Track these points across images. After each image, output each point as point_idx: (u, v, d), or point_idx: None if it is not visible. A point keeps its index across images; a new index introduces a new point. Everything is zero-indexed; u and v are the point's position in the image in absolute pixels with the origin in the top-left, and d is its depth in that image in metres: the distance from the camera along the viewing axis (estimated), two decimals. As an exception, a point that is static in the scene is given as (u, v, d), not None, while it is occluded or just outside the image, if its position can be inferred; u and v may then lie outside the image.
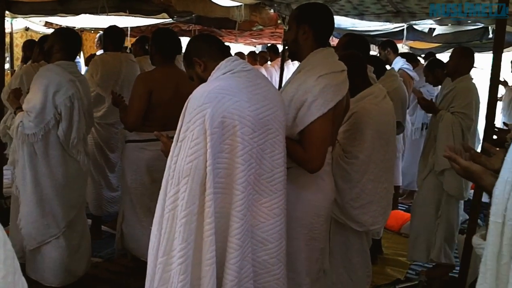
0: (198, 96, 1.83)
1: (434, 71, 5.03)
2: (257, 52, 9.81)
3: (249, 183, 1.88)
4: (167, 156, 1.92)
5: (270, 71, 8.43)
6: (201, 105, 1.79)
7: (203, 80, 2.05)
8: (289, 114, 2.26)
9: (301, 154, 2.28)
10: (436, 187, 3.89)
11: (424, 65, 5.87)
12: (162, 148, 2.14)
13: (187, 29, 7.85)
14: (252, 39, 9.17)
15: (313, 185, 2.39)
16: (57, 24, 7.41)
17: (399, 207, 5.69)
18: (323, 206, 2.43)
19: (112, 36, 4.47)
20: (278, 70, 7.10)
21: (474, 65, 4.03)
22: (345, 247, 2.95)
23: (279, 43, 8.55)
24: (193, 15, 5.82)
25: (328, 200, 2.47)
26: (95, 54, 6.42)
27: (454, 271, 3.97)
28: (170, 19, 6.18)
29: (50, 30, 7.61)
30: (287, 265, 2.31)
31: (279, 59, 7.57)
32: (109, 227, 4.66)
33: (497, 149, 2.12)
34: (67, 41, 3.31)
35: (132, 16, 5.92)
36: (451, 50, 7.20)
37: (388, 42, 5.86)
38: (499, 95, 6.87)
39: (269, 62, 8.89)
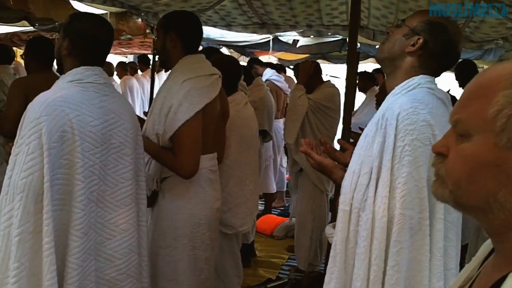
0: (36, 107, 1.70)
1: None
2: (127, 62, 9.62)
3: (91, 200, 1.79)
4: None
5: (142, 81, 8.32)
6: (38, 118, 1.66)
7: (59, 59, 1.94)
8: (160, 122, 2.24)
9: (171, 161, 2.24)
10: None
11: None
12: (6, 158, 2.01)
13: (51, 37, 7.48)
14: (122, 49, 8.97)
15: (191, 193, 2.36)
16: None
17: (273, 212, 5.90)
18: (203, 215, 2.40)
19: None
20: (149, 80, 7.03)
21: (335, 75, 4.18)
22: (218, 251, 3.00)
23: (149, 53, 8.45)
24: (56, 23, 5.56)
25: (209, 209, 2.43)
26: None
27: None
28: (31, 27, 5.86)
29: None
30: (168, 275, 2.30)
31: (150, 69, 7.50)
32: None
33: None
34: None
35: (-11, 23, 5.54)
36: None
37: (251, 60, 6.08)
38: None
39: (139, 72, 8.78)
